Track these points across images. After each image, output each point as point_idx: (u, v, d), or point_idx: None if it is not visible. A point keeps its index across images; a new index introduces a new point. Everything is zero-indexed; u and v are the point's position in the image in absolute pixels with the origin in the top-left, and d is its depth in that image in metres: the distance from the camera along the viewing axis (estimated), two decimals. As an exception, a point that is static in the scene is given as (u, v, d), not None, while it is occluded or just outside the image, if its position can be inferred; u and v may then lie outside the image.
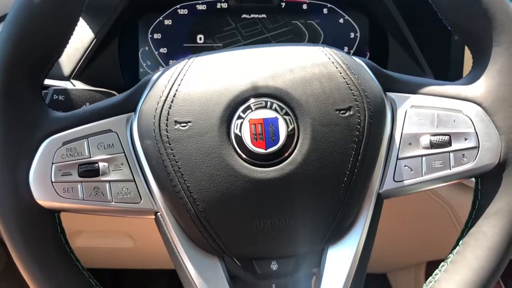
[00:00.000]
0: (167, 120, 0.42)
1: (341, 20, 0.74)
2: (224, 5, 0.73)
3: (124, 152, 0.44)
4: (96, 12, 0.70)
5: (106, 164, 0.44)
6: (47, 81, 0.66)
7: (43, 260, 0.43)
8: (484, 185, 0.46)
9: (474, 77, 0.46)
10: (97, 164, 0.44)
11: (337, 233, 0.44)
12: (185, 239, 0.45)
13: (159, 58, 0.74)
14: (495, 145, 0.44)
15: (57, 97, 0.58)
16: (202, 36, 0.74)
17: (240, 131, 0.42)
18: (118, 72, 0.72)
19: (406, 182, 0.45)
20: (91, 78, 0.69)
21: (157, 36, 0.74)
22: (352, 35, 0.74)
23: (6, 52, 0.42)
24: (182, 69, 0.44)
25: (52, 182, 0.43)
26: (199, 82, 0.43)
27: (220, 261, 0.45)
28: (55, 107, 0.46)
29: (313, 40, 0.74)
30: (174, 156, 0.42)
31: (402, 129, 0.45)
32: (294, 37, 0.74)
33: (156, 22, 0.73)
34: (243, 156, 0.42)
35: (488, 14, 0.44)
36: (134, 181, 0.44)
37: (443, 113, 0.45)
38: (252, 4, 0.74)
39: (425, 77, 0.71)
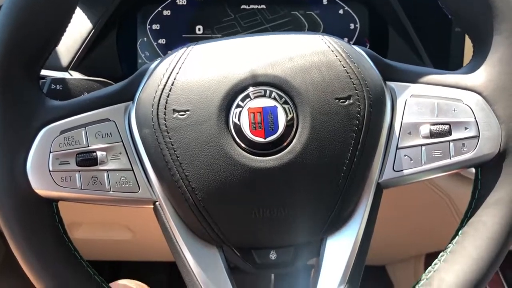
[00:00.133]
0: (165, 108, 0.42)
1: (341, 11, 0.73)
2: (223, -5, 0.72)
3: (122, 141, 0.44)
4: (94, 3, 0.70)
5: (104, 153, 0.44)
6: (45, 72, 0.66)
7: (40, 249, 0.43)
8: (484, 174, 0.46)
9: (474, 66, 0.46)
10: (95, 153, 0.43)
11: (336, 222, 0.44)
12: (184, 228, 0.45)
13: (157, 49, 0.73)
14: (495, 135, 0.44)
15: (54, 86, 0.57)
16: (201, 26, 0.73)
17: (239, 120, 0.42)
18: (116, 63, 0.72)
19: (406, 172, 0.45)
20: (89, 69, 0.69)
21: (155, 27, 0.73)
22: (352, 26, 0.73)
23: (3, 41, 0.41)
24: (180, 57, 0.44)
25: (49, 171, 0.43)
26: (198, 70, 0.43)
27: (219, 251, 0.45)
28: (52, 96, 0.46)
29: (313, 31, 0.73)
30: (172, 145, 0.42)
31: (402, 118, 0.45)
32: (293, 28, 0.73)
33: (155, 12, 0.73)
34: (242, 145, 0.42)
35: (489, 2, 0.44)
36: (132, 170, 0.44)
37: (443, 102, 0.45)
38: (251, -5, 0.73)
39: None
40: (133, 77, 0.45)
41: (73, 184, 0.43)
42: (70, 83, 0.59)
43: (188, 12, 0.73)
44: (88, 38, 0.69)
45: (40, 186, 0.43)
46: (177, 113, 0.42)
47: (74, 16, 0.45)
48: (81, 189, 0.43)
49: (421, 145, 0.44)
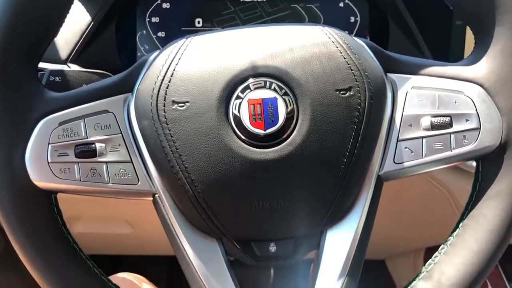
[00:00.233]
0: (164, 100, 0.42)
1: (341, 4, 0.73)
2: (223, -12, 0.72)
3: (121, 133, 0.44)
4: (93, -5, 0.69)
5: (103, 145, 0.43)
6: (44, 65, 0.66)
7: (39, 241, 0.43)
8: (485, 167, 0.45)
9: (476, 57, 0.45)
10: (94, 145, 0.43)
11: (336, 215, 0.44)
12: (183, 221, 0.44)
13: (157, 42, 0.73)
14: (496, 127, 0.44)
15: (53, 78, 0.57)
16: (200, 20, 0.73)
17: (238, 111, 0.41)
18: (115, 56, 0.71)
19: (406, 164, 0.44)
20: (88, 62, 0.69)
21: (155, 19, 0.73)
22: (352, 19, 0.73)
23: (1, 27, 0.41)
24: (180, 48, 0.43)
25: (48, 162, 0.43)
26: (197, 61, 0.43)
27: (218, 243, 0.45)
28: (51, 88, 0.45)
29: (313, 24, 0.73)
30: (172, 136, 0.42)
31: (403, 110, 0.45)
32: (293, 21, 0.73)
33: (154, 5, 0.73)
34: (242, 136, 0.41)
35: None
36: (132, 162, 0.44)
37: (444, 94, 0.44)
38: (251, -13, 0.73)
39: None
40: (132, 68, 0.45)
41: (72, 176, 0.43)
42: (69, 75, 0.58)
43: (188, 5, 0.73)
44: (87, 31, 0.68)
45: (39, 178, 0.43)
46: (176, 105, 0.42)
47: (73, 8, 0.45)
48: (80, 181, 0.43)
49: (422, 137, 0.44)
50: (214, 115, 0.41)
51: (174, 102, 0.42)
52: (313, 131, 0.41)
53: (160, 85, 0.42)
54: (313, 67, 0.42)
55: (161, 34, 0.73)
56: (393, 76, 0.45)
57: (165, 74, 0.42)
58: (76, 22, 0.68)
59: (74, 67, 0.68)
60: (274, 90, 0.41)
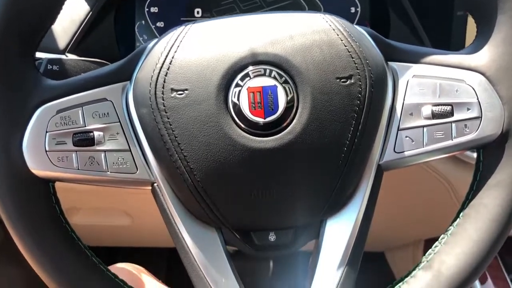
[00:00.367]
0: (163, 88, 0.41)
1: (342, -6, 0.72)
2: (223, -22, 0.71)
3: (119, 121, 0.43)
4: (92, -16, 0.69)
5: (101, 133, 0.43)
6: (42, 55, 0.65)
7: (37, 230, 0.43)
8: (486, 156, 0.45)
9: (477, 46, 0.45)
10: (92, 133, 0.43)
11: (336, 204, 0.44)
12: (183, 210, 0.44)
13: (155, 32, 0.73)
14: (498, 115, 0.43)
15: (51, 67, 0.57)
16: (199, 10, 0.72)
17: (238, 99, 0.41)
18: (114, 46, 0.71)
19: (407, 153, 0.44)
20: (87, 52, 0.68)
21: (153, 9, 0.72)
22: (353, 9, 0.73)
23: None
24: (179, 35, 0.43)
25: (46, 151, 0.42)
26: (196, 48, 0.42)
27: (217, 233, 0.45)
28: (49, 77, 0.45)
29: (313, 14, 0.72)
30: (170, 124, 0.41)
31: (404, 99, 0.44)
32: (293, 11, 0.72)
33: (153, -5, 0.72)
34: (241, 125, 0.41)
35: None
36: (130, 151, 0.43)
37: (446, 82, 0.44)
38: (251, -23, 0.72)
39: None
40: (130, 56, 0.45)
41: (69, 164, 0.43)
42: (67, 64, 0.58)
43: (187, -6, 0.72)
44: (85, 21, 0.68)
45: (36, 166, 0.42)
46: (175, 92, 0.41)
47: None
48: (78, 169, 0.43)
49: (423, 126, 0.44)
50: (213, 103, 0.41)
51: (173, 90, 0.41)
52: (313, 120, 0.41)
53: (159, 72, 0.42)
54: (314, 54, 0.41)
55: (160, 24, 0.72)
56: (394, 64, 0.45)
57: (164, 61, 0.42)
58: (74, 12, 0.68)
59: (72, 57, 0.67)
60: (274, 78, 0.41)
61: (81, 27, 0.68)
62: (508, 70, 0.43)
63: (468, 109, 0.44)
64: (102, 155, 0.43)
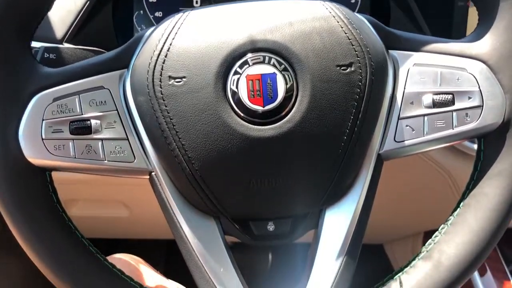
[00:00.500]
0: (160, 75, 0.41)
1: (342, -16, 0.72)
2: (222, -33, 0.71)
3: (117, 110, 0.43)
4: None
5: (98, 121, 0.42)
6: (39, 44, 0.65)
7: (33, 219, 0.42)
8: (487, 145, 0.45)
9: (479, 34, 0.44)
10: (89, 122, 0.42)
11: (335, 194, 0.43)
12: (181, 199, 0.44)
13: (154, 22, 0.72)
14: (499, 104, 0.43)
15: (48, 55, 0.56)
16: (198, -1, 0.72)
17: (236, 87, 0.40)
18: (112, 36, 0.70)
19: (407, 143, 0.44)
20: (84, 42, 0.67)
21: None
22: (353, 0, 0.72)
23: None
24: (176, 22, 0.42)
25: (42, 139, 0.42)
26: (194, 35, 0.42)
27: (216, 222, 0.44)
28: (46, 65, 0.45)
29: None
30: (168, 112, 0.41)
31: (404, 88, 0.44)
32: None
33: (151, -16, 0.71)
34: (240, 113, 0.41)
35: None
36: (128, 139, 0.43)
37: (447, 71, 0.43)
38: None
39: None
40: (128, 43, 0.44)
41: (66, 153, 0.42)
42: (64, 52, 0.57)
43: (186, -16, 0.72)
44: (83, 10, 0.67)
45: (33, 155, 0.42)
46: (173, 80, 0.41)
47: None
48: (75, 158, 0.42)
49: (424, 115, 0.43)
50: (211, 91, 0.40)
51: (170, 77, 0.41)
52: (312, 108, 0.41)
53: (157, 60, 0.41)
54: (314, 42, 0.41)
55: (158, 14, 0.72)
56: (394, 53, 0.44)
57: (162, 48, 0.41)
58: (72, 1, 0.67)
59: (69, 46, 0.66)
60: (273, 65, 0.41)
61: (79, 16, 0.67)
62: (510, 58, 0.43)
63: (469, 97, 0.43)
64: (99, 143, 0.42)
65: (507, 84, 0.43)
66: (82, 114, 0.42)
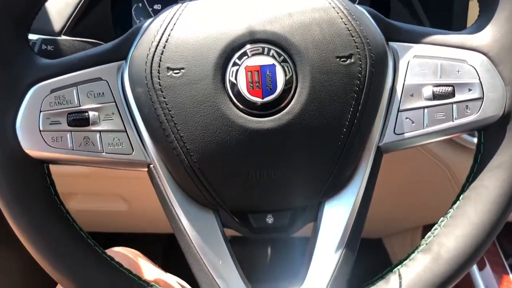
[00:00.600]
0: (159, 66, 0.41)
1: (342, -24, 0.71)
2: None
3: (115, 101, 0.43)
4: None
5: (96, 113, 0.42)
6: (37, 37, 0.64)
7: (30, 211, 0.42)
8: (487, 138, 0.44)
9: (480, 25, 0.44)
10: (87, 113, 0.42)
11: (335, 186, 0.43)
12: (179, 192, 0.43)
13: (153, 14, 0.71)
14: (500, 96, 0.43)
15: (45, 47, 0.56)
16: (197, -8, 0.71)
17: (235, 78, 0.40)
18: (110, 29, 0.70)
19: (407, 135, 0.43)
20: (82, 35, 0.67)
21: None
22: (353, -8, 0.72)
23: None
24: (175, 13, 0.42)
25: (40, 130, 0.42)
26: (193, 26, 0.41)
27: (215, 215, 0.44)
28: (43, 57, 0.44)
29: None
30: (166, 104, 0.41)
31: (404, 80, 0.43)
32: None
33: (150, -24, 0.71)
34: (239, 105, 0.40)
35: None
36: (126, 131, 0.43)
37: (447, 63, 0.43)
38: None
39: None
40: (126, 35, 0.44)
41: (64, 145, 0.42)
42: (62, 44, 0.57)
43: (185, -24, 0.71)
44: (81, 3, 0.67)
45: (30, 146, 0.42)
46: (171, 71, 0.40)
47: None
48: (73, 149, 0.42)
49: (424, 107, 0.43)
50: (210, 82, 0.40)
51: (169, 68, 0.41)
52: (312, 100, 0.40)
53: (155, 51, 0.41)
54: (313, 33, 0.41)
55: (157, 6, 0.71)
56: (394, 44, 0.44)
57: (160, 39, 0.41)
58: (69, -7, 0.67)
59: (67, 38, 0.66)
60: (273, 56, 0.40)
61: (77, 9, 0.66)
62: (511, 50, 0.42)
63: (470, 89, 0.43)
64: (97, 135, 0.42)
65: (508, 76, 0.43)
66: (80, 106, 0.42)
